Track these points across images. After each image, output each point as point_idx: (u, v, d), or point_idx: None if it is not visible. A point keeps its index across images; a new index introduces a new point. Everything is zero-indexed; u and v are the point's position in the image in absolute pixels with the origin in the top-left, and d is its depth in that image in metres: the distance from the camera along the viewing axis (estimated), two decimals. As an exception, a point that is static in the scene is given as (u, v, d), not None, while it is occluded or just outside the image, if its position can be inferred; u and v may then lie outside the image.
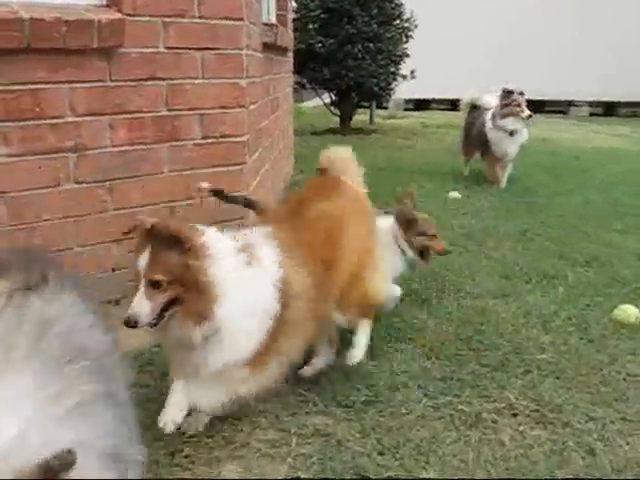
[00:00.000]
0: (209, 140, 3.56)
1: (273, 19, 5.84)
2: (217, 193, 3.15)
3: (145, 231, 2.17)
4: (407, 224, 3.25)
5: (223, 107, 3.58)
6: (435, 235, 3.33)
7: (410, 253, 3.27)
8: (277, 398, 2.56)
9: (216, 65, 3.53)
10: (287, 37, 5.89)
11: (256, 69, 4.03)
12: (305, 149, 7.84)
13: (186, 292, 2.13)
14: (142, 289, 2.12)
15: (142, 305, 2.11)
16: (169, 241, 2.13)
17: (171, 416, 2.22)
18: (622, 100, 20.83)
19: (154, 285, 2.12)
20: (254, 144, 3.97)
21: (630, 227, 5.15)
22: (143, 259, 2.13)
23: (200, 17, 3.45)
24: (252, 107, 3.85)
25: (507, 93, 6.43)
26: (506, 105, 6.35)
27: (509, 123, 6.32)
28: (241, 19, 3.61)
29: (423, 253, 3.31)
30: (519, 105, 6.30)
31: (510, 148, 6.40)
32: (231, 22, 3.57)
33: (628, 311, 3.38)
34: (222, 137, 3.60)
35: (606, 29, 19.13)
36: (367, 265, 2.71)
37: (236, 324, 2.20)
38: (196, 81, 3.49)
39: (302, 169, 6.96)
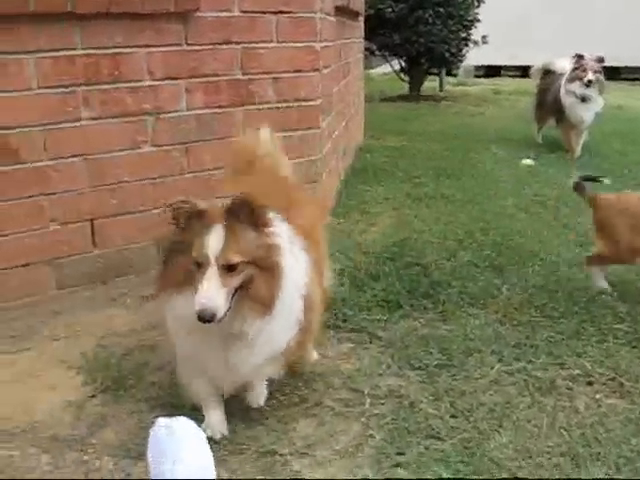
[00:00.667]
0: (284, 104, 3.58)
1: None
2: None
3: (205, 212, 1.89)
4: None
5: (297, 71, 3.59)
6: None
7: None
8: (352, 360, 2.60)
9: (290, 29, 3.54)
10: (359, 1, 5.83)
11: (329, 33, 4.01)
12: (375, 115, 7.79)
13: (258, 275, 1.90)
14: (214, 275, 1.82)
15: (218, 295, 1.82)
16: (247, 218, 1.89)
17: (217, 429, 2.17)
18: None
19: (229, 268, 1.85)
20: (327, 108, 3.97)
21: None
22: (213, 240, 1.84)
23: (274, -20, 3.45)
24: (325, 71, 3.84)
25: (577, 57, 6.23)
26: (575, 69, 6.17)
27: (576, 87, 6.12)
28: (315, -18, 3.59)
29: None
30: (585, 70, 6.09)
31: (585, 115, 6.21)
32: (305, -15, 3.56)
33: None
34: (296, 101, 3.62)
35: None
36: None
37: (285, 314, 2.02)
38: (270, 45, 3.50)
39: (376, 136, 6.94)
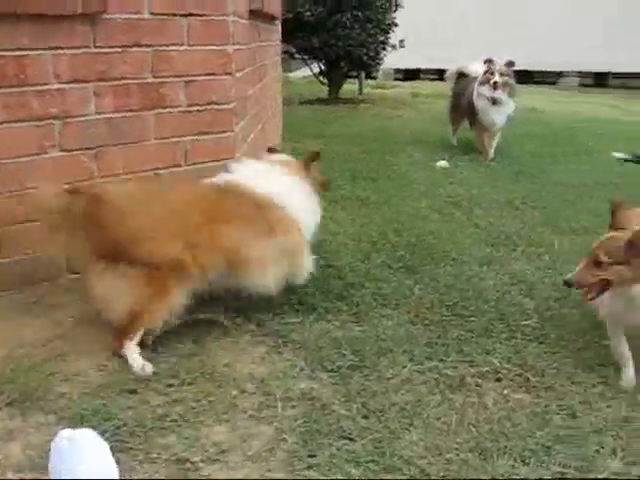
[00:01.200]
0: (195, 107, 3.54)
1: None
2: None
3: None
4: None
5: (209, 74, 3.56)
6: None
7: None
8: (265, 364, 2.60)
9: (202, 31, 3.51)
10: (275, 4, 5.83)
11: (243, 36, 4.00)
12: (293, 118, 7.81)
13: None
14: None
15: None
16: None
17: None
18: (612, 70, 20.81)
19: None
20: (241, 112, 3.95)
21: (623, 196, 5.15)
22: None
23: (186, -18, 3.42)
24: (239, 74, 3.82)
25: (487, 62, 6.41)
26: (485, 73, 6.34)
27: (486, 90, 6.28)
28: (227, -16, 3.57)
29: None
30: (493, 73, 6.25)
31: (497, 117, 6.38)
32: (217, -13, 3.53)
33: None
34: (209, 104, 3.59)
35: (599, 1, 19.04)
36: None
37: None
38: (182, 47, 3.46)
39: (294, 139, 6.93)
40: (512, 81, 6.34)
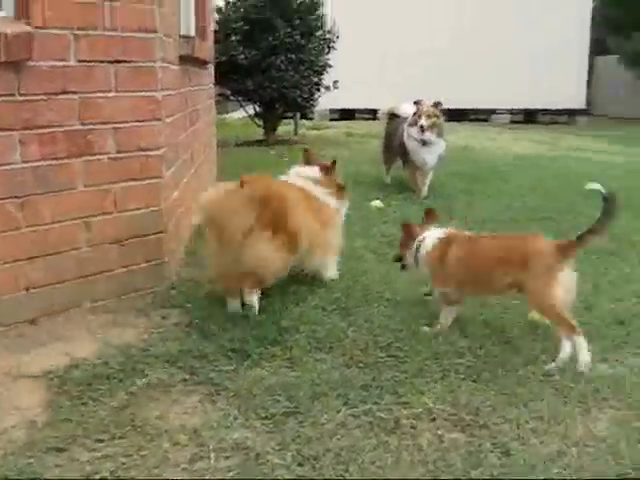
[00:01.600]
0: (124, 154, 3.51)
1: (192, 31, 5.80)
2: None
3: None
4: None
5: (138, 120, 3.54)
6: None
7: None
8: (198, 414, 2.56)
9: (130, 78, 3.49)
10: (206, 49, 5.85)
11: (172, 82, 3.99)
12: (229, 161, 7.80)
13: None
14: None
15: None
16: None
17: None
18: (541, 107, 21.53)
19: None
20: (171, 157, 3.93)
21: (546, 230, 5.28)
22: None
23: (112, 29, 3.41)
24: (168, 120, 3.81)
25: (416, 103, 6.54)
26: (414, 114, 6.46)
27: (415, 132, 6.41)
28: (154, 31, 3.58)
29: None
30: (420, 116, 6.38)
31: (427, 157, 6.50)
32: (144, 34, 3.54)
33: (543, 312, 3.47)
34: (138, 151, 3.56)
35: (525, 41, 19.76)
36: None
37: None
38: (109, 94, 3.44)
39: (226, 180, 6.90)
40: (440, 121, 6.47)
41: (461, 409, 2.62)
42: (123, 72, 3.47)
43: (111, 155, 3.46)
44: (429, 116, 6.38)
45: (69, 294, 3.40)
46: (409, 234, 3.51)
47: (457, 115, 20.46)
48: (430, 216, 3.60)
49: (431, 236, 3.45)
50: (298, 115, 12.72)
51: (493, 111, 20.81)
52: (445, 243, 3.39)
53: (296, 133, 12.64)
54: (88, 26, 3.31)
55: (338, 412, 2.57)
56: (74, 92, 3.31)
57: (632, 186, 7.69)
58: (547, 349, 3.14)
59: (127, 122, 3.51)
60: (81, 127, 3.35)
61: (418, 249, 3.43)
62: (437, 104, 6.48)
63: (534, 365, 2.99)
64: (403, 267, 3.57)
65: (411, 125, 6.43)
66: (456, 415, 2.59)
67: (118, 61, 3.45)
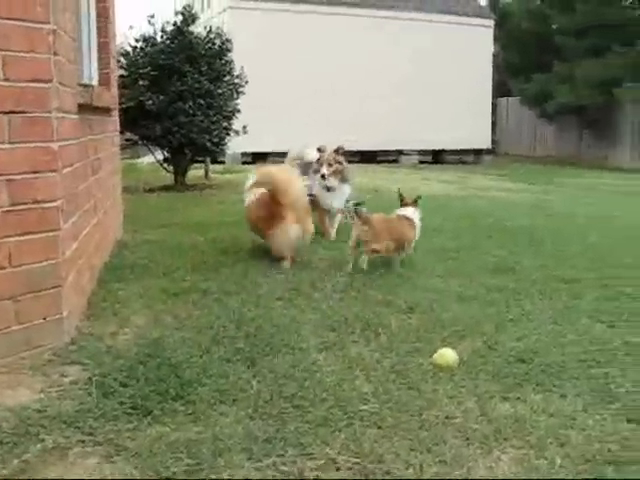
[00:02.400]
0: (19, 206, 3.39)
1: (95, 78, 5.73)
2: None
3: None
4: None
5: (33, 172, 3.44)
6: None
7: None
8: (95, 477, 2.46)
9: (24, 129, 3.40)
10: (108, 97, 5.78)
11: (70, 131, 3.91)
12: (138, 207, 7.69)
13: None
14: None
15: None
16: None
17: None
18: (448, 148, 22.24)
19: None
20: (70, 208, 3.83)
21: (451, 271, 5.42)
22: None
23: (5, 79, 3.32)
24: (66, 170, 3.72)
25: (318, 150, 6.65)
26: (318, 161, 6.56)
27: (319, 179, 6.55)
28: (50, 81, 3.50)
29: None
30: (322, 164, 6.48)
31: (334, 202, 6.59)
32: (39, 84, 3.45)
33: (446, 354, 3.52)
34: (33, 203, 3.45)
35: (432, 84, 20.42)
36: None
37: None
38: (3, 146, 3.33)
39: (135, 229, 6.81)
40: (343, 166, 6.56)
41: (365, 457, 2.60)
42: (17, 122, 3.38)
43: (4, 208, 3.33)
44: (330, 164, 6.48)
45: (-40, 354, 3.24)
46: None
47: (366, 156, 20.92)
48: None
49: None
50: (209, 159, 12.70)
51: (401, 152, 21.33)
52: None
53: (207, 177, 12.60)
54: (-21, 76, 3.22)
55: (241, 468, 2.51)
56: (-36, 144, 3.20)
57: (534, 224, 8.01)
58: (450, 392, 3.18)
59: (22, 174, 3.40)
60: (-28, 180, 3.23)
61: None
62: (338, 150, 6.59)
63: (437, 408, 3.01)
64: None
65: (315, 172, 6.52)
66: (360, 464, 2.57)
67: (12, 111, 3.35)
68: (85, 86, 4.66)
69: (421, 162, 21.07)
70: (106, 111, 5.79)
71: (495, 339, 3.87)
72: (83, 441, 2.70)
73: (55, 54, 3.55)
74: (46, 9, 3.46)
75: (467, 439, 2.77)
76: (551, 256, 6.14)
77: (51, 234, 3.53)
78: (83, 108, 4.39)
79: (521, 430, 2.86)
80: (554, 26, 23.40)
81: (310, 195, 6.55)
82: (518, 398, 3.16)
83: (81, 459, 2.59)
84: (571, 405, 3.09)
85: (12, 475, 2.46)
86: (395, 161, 21.00)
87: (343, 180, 6.58)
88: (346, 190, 6.63)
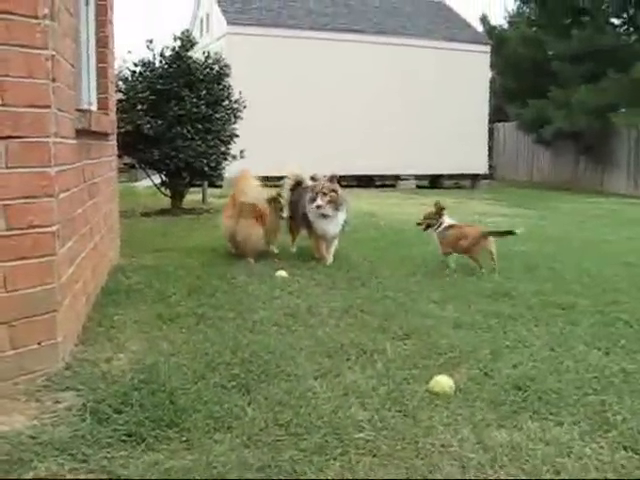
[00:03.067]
0: (15, 231, 3.39)
1: (94, 103, 5.76)
2: None
3: None
4: None
5: (30, 197, 3.44)
6: None
7: None
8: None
9: (21, 154, 3.40)
10: (106, 121, 5.80)
11: (67, 156, 3.92)
12: (134, 232, 7.69)
13: None
14: None
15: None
16: None
17: None
18: (445, 173, 22.31)
19: None
20: (66, 233, 3.83)
21: (448, 297, 5.42)
22: None
23: (3, 104, 3.33)
24: (63, 195, 3.73)
25: (312, 179, 6.70)
26: (311, 190, 6.59)
27: (314, 208, 6.58)
28: (48, 106, 3.52)
29: None
30: (317, 194, 6.54)
31: (329, 228, 6.63)
32: (37, 110, 3.46)
33: (442, 382, 3.51)
34: (29, 228, 3.45)
35: (430, 109, 20.54)
36: None
37: None
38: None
39: (132, 253, 6.80)
40: (337, 194, 6.61)
41: (360, 486, 2.59)
42: (14, 147, 3.39)
43: (0, 233, 3.34)
44: (324, 194, 6.52)
45: (-47, 380, 3.22)
46: None
47: (364, 181, 20.99)
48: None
49: None
50: (206, 184, 12.72)
51: (398, 176, 21.40)
52: None
53: (204, 201, 12.62)
54: (-24, 102, 3.24)
55: (234, 498, 2.50)
56: (-39, 168, 3.21)
57: (530, 249, 8.01)
58: (446, 420, 3.16)
59: (18, 199, 3.40)
60: (-32, 205, 3.24)
61: None
62: (332, 178, 6.66)
63: (433, 436, 3.00)
64: None
65: (310, 201, 6.57)
66: (355, 493, 2.56)
67: (10, 137, 3.36)
68: (83, 111, 4.68)
69: (418, 187, 21.12)
70: (104, 135, 5.81)
71: (491, 366, 3.86)
72: (76, 469, 2.68)
73: (54, 80, 3.57)
74: (45, 35, 3.49)
75: (463, 467, 2.76)
76: (547, 281, 6.13)
77: (47, 259, 3.53)
78: (81, 133, 4.41)
79: (517, 458, 2.84)
80: (550, 52, 23.58)
81: (304, 215, 6.59)
82: (514, 426, 3.15)
83: (73, 487, 2.57)
84: (568, 433, 3.07)
85: (4, 503, 2.44)
86: (392, 186, 21.06)
87: (337, 208, 6.63)
88: (341, 217, 6.69)
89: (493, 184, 23.30)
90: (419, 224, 6.77)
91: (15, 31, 3.35)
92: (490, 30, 25.93)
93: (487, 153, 23.58)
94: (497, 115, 25.85)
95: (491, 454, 2.86)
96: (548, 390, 3.52)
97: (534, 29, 24.81)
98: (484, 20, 26.35)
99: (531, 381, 3.65)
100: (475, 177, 23.05)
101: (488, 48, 23.06)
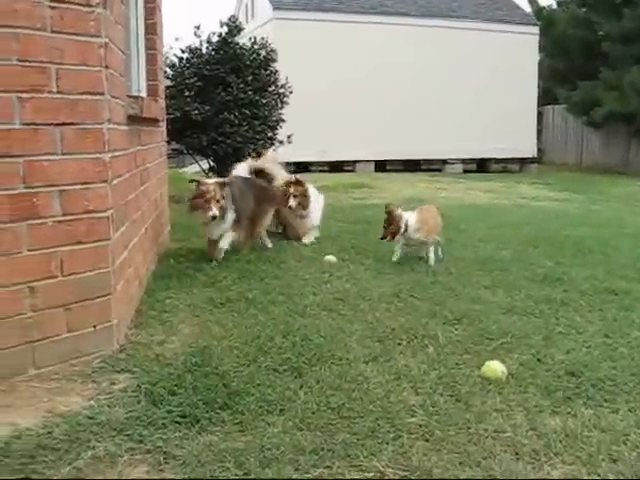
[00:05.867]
0: (71, 217, 3.46)
1: (143, 89, 5.82)
2: None
3: None
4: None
5: (85, 182, 3.50)
6: None
7: None
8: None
9: (76, 140, 3.47)
10: (156, 108, 5.86)
11: (120, 142, 3.98)
12: (183, 217, 7.74)
13: None
14: None
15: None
16: None
17: None
18: (492, 157, 21.99)
19: None
20: (120, 218, 3.89)
21: (498, 282, 5.36)
22: None
23: (58, 92, 3.39)
24: (116, 181, 3.78)
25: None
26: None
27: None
28: (101, 93, 3.57)
29: None
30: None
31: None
32: (91, 97, 3.52)
33: (494, 367, 3.48)
34: (84, 213, 3.51)
35: (477, 92, 20.24)
36: None
37: None
38: (55, 157, 3.40)
39: (182, 238, 6.87)
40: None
41: (413, 471, 2.59)
42: (69, 134, 3.45)
43: (57, 218, 3.40)
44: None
45: (13, 361, 3.30)
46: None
47: (410, 165, 20.85)
48: None
49: None
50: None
51: (445, 161, 21.19)
52: None
53: (251, 186, 12.66)
54: (33, 89, 3.29)
55: (289, 479, 2.51)
56: (19, 155, 3.26)
57: (581, 234, 7.87)
58: (499, 406, 3.14)
59: (73, 185, 3.47)
60: (25, 190, 3.30)
61: None
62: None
63: (486, 422, 2.98)
64: None
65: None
66: (408, 478, 2.56)
67: (64, 123, 3.42)
68: (134, 97, 4.73)
69: (465, 171, 20.89)
70: (154, 122, 5.87)
71: (544, 352, 3.81)
72: (133, 449, 2.73)
73: (107, 67, 3.62)
74: (98, 23, 3.53)
75: (517, 454, 2.74)
76: (599, 266, 6.02)
77: (101, 244, 3.59)
78: (132, 119, 4.47)
79: (572, 445, 2.81)
80: (600, 32, 23.01)
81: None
82: (568, 412, 3.11)
83: (130, 467, 2.62)
84: (623, 421, 3.03)
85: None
86: (439, 170, 20.87)
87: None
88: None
89: (542, 168, 22.92)
90: (383, 238, 5.91)
91: (69, 20, 3.40)
92: (538, 11, 25.37)
93: (535, 136, 23.18)
94: (545, 98, 25.35)
95: (545, 441, 2.84)
96: (602, 377, 3.47)
97: (584, 9, 24.22)
98: (532, 1, 25.81)
99: (585, 367, 3.60)
100: (523, 161, 22.69)
101: (536, 29, 22.63)
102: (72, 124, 3.46)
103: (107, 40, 3.63)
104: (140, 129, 4.97)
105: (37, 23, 3.27)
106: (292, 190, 6.94)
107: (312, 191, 7.24)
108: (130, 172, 4.37)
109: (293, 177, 7.22)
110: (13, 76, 3.21)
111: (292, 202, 6.90)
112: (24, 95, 3.26)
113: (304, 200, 6.99)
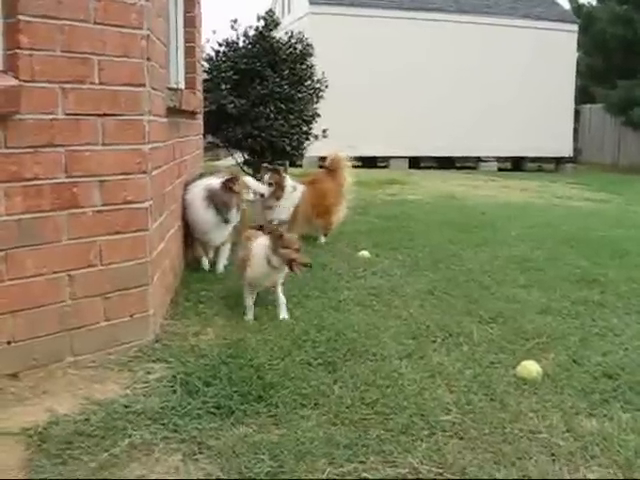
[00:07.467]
0: (110, 207, 3.50)
1: (182, 82, 5.86)
2: None
3: None
4: (275, 239, 4.08)
5: (124, 173, 3.54)
6: (299, 249, 4.10)
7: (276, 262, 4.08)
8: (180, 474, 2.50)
9: (117, 131, 3.50)
10: (194, 100, 5.89)
11: (159, 134, 4.01)
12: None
13: None
14: None
15: None
16: None
17: None
18: (527, 155, 21.77)
19: None
20: (158, 209, 3.93)
21: (533, 281, 5.31)
22: None
23: (100, 83, 3.42)
24: (155, 172, 3.81)
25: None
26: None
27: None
28: (142, 85, 3.60)
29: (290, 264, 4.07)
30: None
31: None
32: (132, 88, 3.56)
33: (530, 367, 3.45)
34: (124, 203, 3.55)
35: (513, 90, 20.05)
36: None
37: None
38: (96, 147, 3.44)
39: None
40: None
41: (447, 469, 2.58)
42: (110, 125, 3.48)
43: (96, 208, 3.44)
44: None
45: (51, 348, 3.35)
46: None
47: (444, 162, 20.72)
48: None
49: None
50: (287, 163, 12.77)
51: (479, 158, 21.02)
52: None
53: (285, 180, 12.68)
54: (76, 80, 3.32)
55: (323, 472, 2.51)
56: (61, 145, 3.30)
57: (618, 235, 7.76)
58: (534, 406, 3.11)
59: (113, 175, 3.50)
60: (67, 180, 3.33)
61: None
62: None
63: (521, 422, 2.95)
64: None
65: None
66: (442, 475, 2.55)
67: (106, 114, 3.45)
68: (174, 90, 4.77)
69: (500, 169, 20.72)
70: (192, 114, 5.90)
71: (580, 353, 3.77)
72: (168, 438, 2.76)
73: (148, 59, 3.65)
74: (140, 15, 3.56)
75: (552, 455, 2.71)
76: (637, 269, 5.93)
77: (140, 234, 3.62)
78: (171, 111, 4.50)
79: (609, 449, 2.77)
80: (641, 31, 22.63)
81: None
82: (605, 415, 3.07)
83: (166, 456, 2.65)
84: (662, 425, 2.98)
85: (100, 468, 2.52)
86: (473, 168, 20.72)
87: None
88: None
89: (578, 167, 22.64)
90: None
91: (112, 12, 3.43)
92: (578, 8, 25.03)
93: (572, 135, 22.89)
94: (583, 96, 25.02)
95: (581, 443, 2.81)
96: (640, 380, 3.43)
97: (625, 6, 23.83)
98: (572, -2, 25.49)
99: (622, 370, 3.55)
100: (559, 160, 22.44)
101: (575, 27, 22.33)
102: (113, 115, 3.49)
103: (149, 32, 3.65)
104: (178, 121, 5.00)
105: (81, 15, 3.30)
106: (267, 178, 6.46)
107: (288, 183, 6.65)
108: (168, 164, 4.41)
109: (270, 166, 6.81)
110: (57, 67, 3.25)
111: (264, 190, 6.38)
112: (67, 86, 3.30)
113: (278, 191, 6.46)
